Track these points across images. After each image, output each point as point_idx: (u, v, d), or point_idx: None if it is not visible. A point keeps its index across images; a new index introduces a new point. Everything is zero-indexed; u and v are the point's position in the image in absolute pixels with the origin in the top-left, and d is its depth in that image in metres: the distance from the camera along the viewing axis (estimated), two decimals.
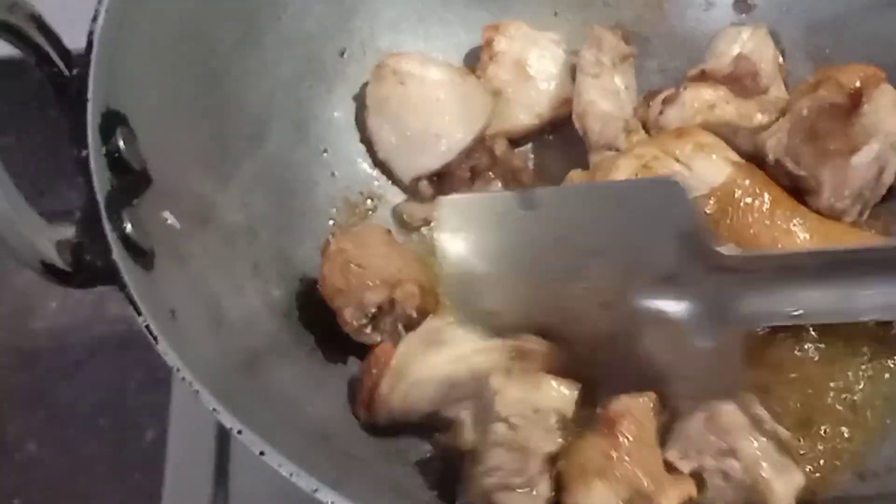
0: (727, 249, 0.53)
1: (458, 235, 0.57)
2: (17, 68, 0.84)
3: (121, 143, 0.48)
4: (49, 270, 0.43)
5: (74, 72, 0.49)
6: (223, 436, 0.68)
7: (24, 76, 0.85)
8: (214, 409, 0.41)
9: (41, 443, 0.80)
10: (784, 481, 0.51)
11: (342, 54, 0.65)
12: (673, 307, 0.54)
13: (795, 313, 0.52)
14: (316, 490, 0.38)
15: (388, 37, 0.67)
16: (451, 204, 0.58)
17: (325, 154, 0.64)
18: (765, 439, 0.52)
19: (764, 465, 0.51)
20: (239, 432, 0.40)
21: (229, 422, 0.41)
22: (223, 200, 0.57)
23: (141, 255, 0.47)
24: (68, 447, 0.81)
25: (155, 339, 0.43)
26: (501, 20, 0.67)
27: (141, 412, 0.82)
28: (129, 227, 0.46)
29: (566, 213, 0.56)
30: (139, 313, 0.43)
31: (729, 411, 0.52)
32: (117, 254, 0.45)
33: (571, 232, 0.56)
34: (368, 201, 0.64)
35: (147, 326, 0.43)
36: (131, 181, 0.49)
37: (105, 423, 0.82)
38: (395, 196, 0.65)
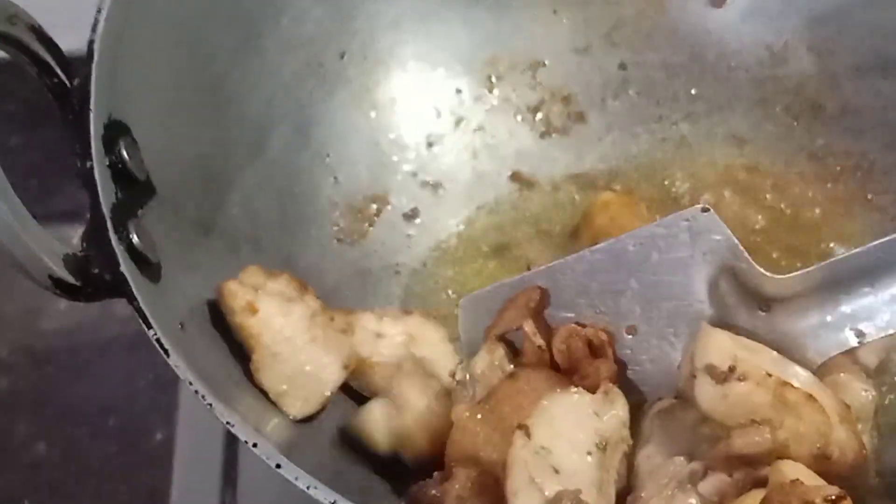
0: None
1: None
2: (26, 69, 0.84)
3: (124, 154, 0.48)
4: (57, 285, 0.43)
5: (76, 82, 0.49)
6: (231, 438, 0.69)
7: (32, 77, 0.85)
8: (228, 423, 0.41)
9: (50, 443, 0.81)
10: None
11: (342, 57, 0.65)
12: None
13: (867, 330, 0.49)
14: (334, 502, 0.38)
15: (388, 37, 0.66)
16: (472, 301, 0.54)
17: (328, 159, 0.63)
18: None
19: None
20: (254, 445, 0.40)
21: (244, 434, 0.41)
22: (227, 208, 0.56)
23: (148, 266, 0.47)
24: (77, 448, 0.81)
25: (166, 352, 0.43)
26: (502, 19, 0.67)
27: (150, 413, 0.82)
28: (135, 239, 0.46)
29: (587, 281, 0.51)
30: (149, 326, 0.43)
31: None
32: (125, 266, 0.45)
33: (598, 298, 0.51)
34: (373, 205, 0.64)
35: (157, 340, 0.43)
36: (135, 192, 0.49)
37: (114, 423, 0.82)
38: (400, 198, 0.65)
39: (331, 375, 0.51)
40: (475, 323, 0.54)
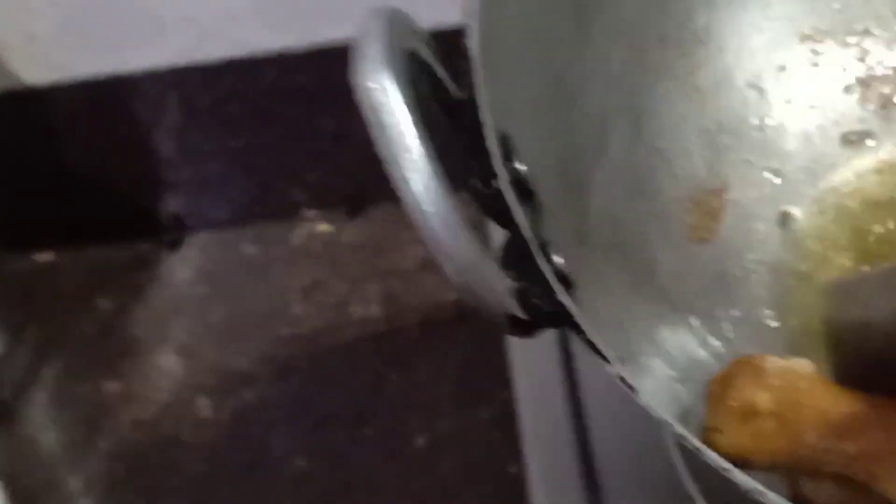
0: None
1: None
2: (249, 69, 0.82)
3: (522, 167, 0.45)
4: (513, 323, 0.39)
5: (463, 93, 0.45)
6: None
7: (253, 77, 0.84)
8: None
9: (310, 456, 0.79)
10: None
11: (661, 41, 0.60)
12: None
13: None
14: None
15: (703, 16, 0.61)
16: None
17: (663, 151, 0.59)
18: None
19: None
20: None
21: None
22: (589, 214, 0.53)
23: (570, 289, 0.43)
24: (337, 459, 0.80)
25: (634, 390, 0.39)
26: None
27: (405, 418, 0.80)
28: (559, 260, 0.43)
29: None
30: (606, 360, 0.40)
31: None
32: (560, 294, 0.41)
33: None
34: (714, 200, 0.59)
35: (622, 378, 0.39)
36: (535, 210, 0.45)
37: (370, 431, 0.80)
38: (740, 189, 0.60)
39: None
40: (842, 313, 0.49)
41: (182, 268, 0.86)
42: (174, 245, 0.88)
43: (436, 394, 0.78)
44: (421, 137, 0.37)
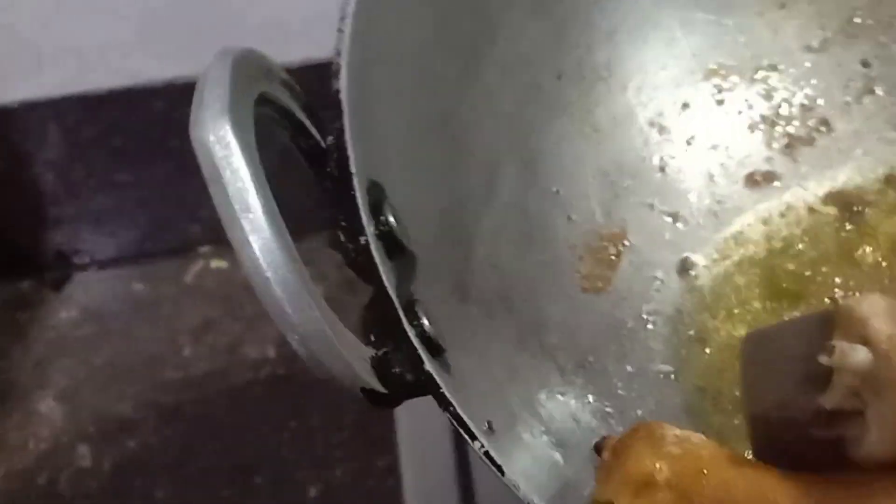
0: None
1: None
2: (135, 99, 0.78)
3: (391, 220, 0.41)
4: (370, 397, 0.36)
5: (329, 140, 0.42)
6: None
7: (140, 108, 0.79)
8: None
9: None
10: None
11: (559, 77, 0.58)
12: None
13: None
14: None
15: (604, 51, 0.59)
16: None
17: (558, 194, 0.56)
18: None
19: None
20: None
21: None
22: (474, 266, 0.49)
23: (440, 354, 0.40)
24: None
25: (500, 470, 0.36)
26: (724, 21, 0.60)
27: (298, 467, 0.76)
28: (426, 324, 0.39)
29: None
30: (473, 438, 0.36)
31: None
32: (429, 363, 0.37)
33: None
34: (611, 247, 0.56)
35: (487, 453, 0.36)
36: (406, 265, 0.42)
37: (261, 481, 0.76)
38: (639, 234, 0.57)
39: None
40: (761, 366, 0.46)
41: (65, 308, 0.81)
42: (57, 284, 0.83)
43: (331, 441, 0.74)
44: (264, 195, 0.33)
